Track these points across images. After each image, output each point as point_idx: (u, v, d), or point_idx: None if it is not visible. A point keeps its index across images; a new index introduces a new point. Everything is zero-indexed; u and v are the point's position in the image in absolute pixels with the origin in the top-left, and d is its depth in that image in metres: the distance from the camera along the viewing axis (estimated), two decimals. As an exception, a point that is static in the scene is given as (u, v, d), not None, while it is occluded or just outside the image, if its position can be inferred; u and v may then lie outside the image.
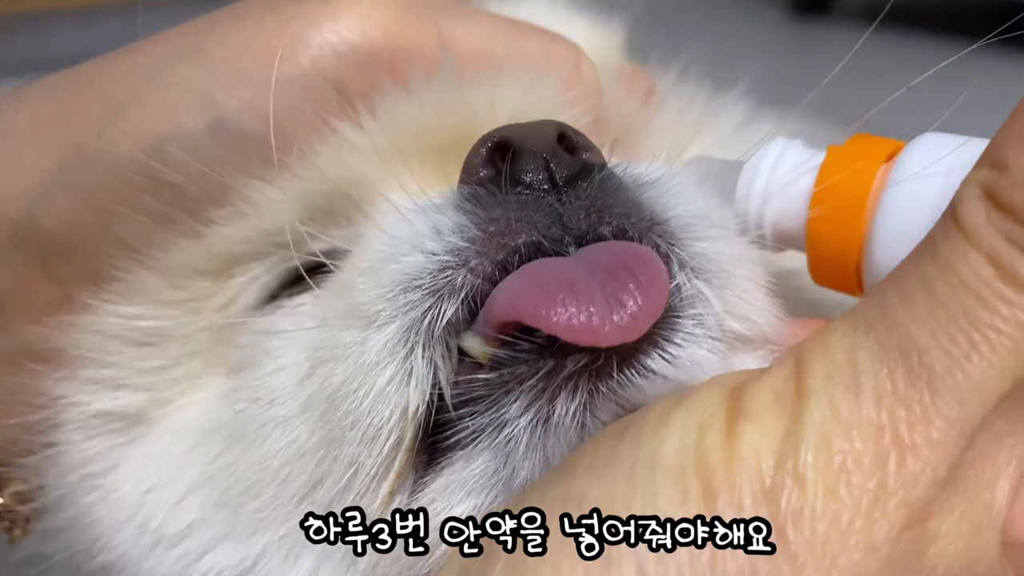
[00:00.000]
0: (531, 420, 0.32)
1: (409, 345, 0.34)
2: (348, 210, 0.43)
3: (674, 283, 0.35)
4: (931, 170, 0.32)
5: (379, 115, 0.43)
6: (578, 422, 0.32)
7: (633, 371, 0.32)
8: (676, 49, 0.51)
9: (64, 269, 0.44)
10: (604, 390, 0.32)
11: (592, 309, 0.30)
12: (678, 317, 0.34)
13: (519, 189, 0.35)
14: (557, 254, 0.34)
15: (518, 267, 0.34)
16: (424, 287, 0.34)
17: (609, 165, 0.38)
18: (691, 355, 0.33)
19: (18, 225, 0.45)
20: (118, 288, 0.44)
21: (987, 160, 0.28)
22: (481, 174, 0.36)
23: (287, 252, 0.43)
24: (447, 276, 0.34)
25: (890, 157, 0.35)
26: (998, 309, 0.26)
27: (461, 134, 0.42)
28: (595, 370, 0.32)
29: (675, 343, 0.33)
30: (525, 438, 0.32)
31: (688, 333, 0.34)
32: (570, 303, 0.30)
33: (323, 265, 0.39)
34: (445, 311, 0.33)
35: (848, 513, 0.25)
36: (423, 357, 0.34)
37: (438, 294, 0.34)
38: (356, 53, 0.43)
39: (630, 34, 0.53)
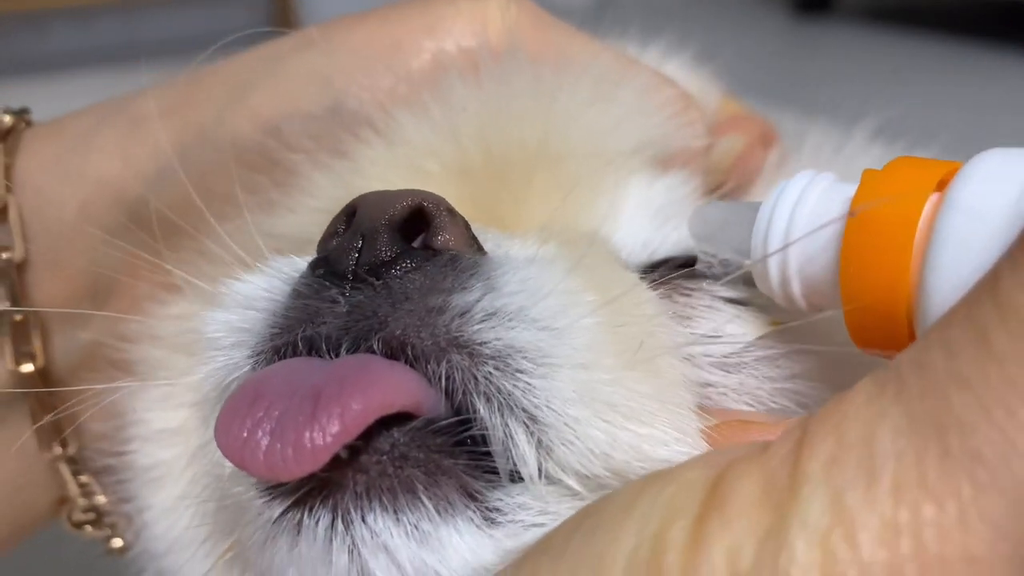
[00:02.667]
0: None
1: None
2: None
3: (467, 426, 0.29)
4: (998, 195, 0.26)
5: (428, 114, 0.42)
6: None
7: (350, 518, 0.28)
8: (676, 49, 0.51)
9: (171, 252, 0.44)
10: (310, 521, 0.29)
11: (246, 432, 0.27)
12: (429, 484, 0.28)
13: (320, 271, 0.32)
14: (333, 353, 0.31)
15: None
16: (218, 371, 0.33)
17: (468, 259, 0.31)
18: (426, 532, 0.28)
19: (135, 205, 0.45)
20: (179, 283, 0.44)
21: None
22: (333, 243, 0.33)
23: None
24: (232, 368, 0.33)
25: (942, 183, 0.28)
26: None
27: (510, 139, 0.40)
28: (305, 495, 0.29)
29: (399, 511, 0.28)
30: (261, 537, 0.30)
31: (419, 502, 0.28)
32: (239, 421, 0.28)
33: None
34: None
35: None
36: None
37: (223, 385, 0.33)
38: (478, 51, 0.43)
39: (627, 34, 0.52)
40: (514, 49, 0.42)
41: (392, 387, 0.28)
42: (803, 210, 0.31)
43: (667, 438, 0.30)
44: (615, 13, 0.47)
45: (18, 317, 0.46)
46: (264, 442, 0.27)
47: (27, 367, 0.46)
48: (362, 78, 0.43)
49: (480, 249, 0.33)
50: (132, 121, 0.47)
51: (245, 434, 0.27)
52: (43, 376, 0.46)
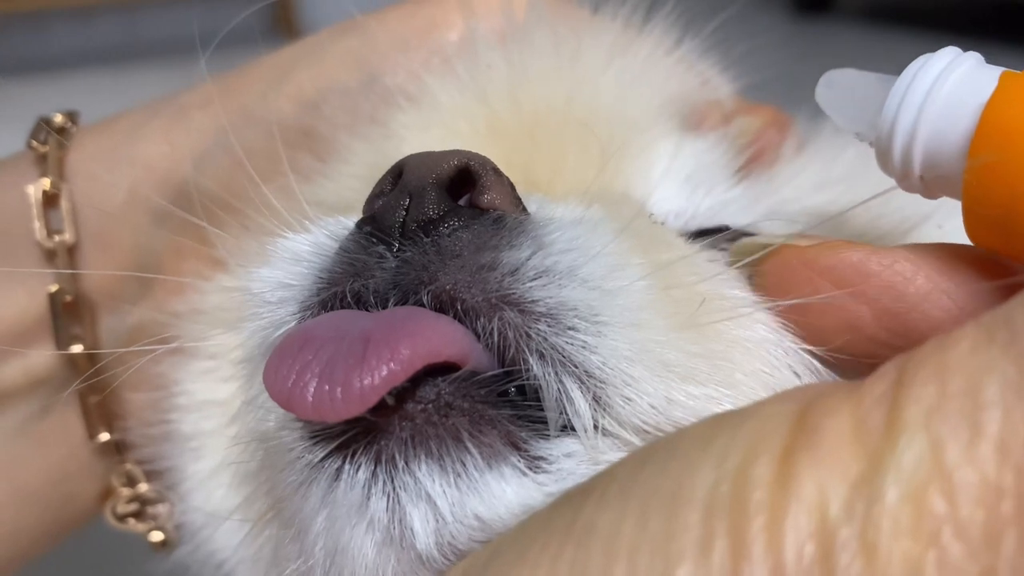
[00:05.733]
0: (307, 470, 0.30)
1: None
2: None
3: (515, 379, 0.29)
4: None
5: (456, 79, 0.43)
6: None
7: (392, 468, 0.28)
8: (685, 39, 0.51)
9: (216, 230, 0.44)
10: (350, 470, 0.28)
11: (295, 374, 0.27)
12: (475, 433, 0.28)
13: (368, 229, 0.32)
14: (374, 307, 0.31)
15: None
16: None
17: (514, 218, 0.31)
18: (473, 482, 0.28)
19: (182, 186, 0.46)
20: (224, 257, 0.45)
21: None
22: (378, 203, 0.32)
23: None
24: (279, 324, 0.33)
25: None
26: None
27: (537, 97, 0.41)
28: (349, 441, 0.29)
29: (445, 459, 0.28)
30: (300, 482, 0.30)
31: (463, 449, 0.28)
32: (288, 363, 0.27)
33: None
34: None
35: None
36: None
37: (270, 341, 0.33)
38: (506, 26, 0.45)
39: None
40: (536, 16, 0.43)
41: (440, 337, 0.28)
42: (941, 91, 0.29)
43: (722, 398, 0.30)
44: (611, 12, 0.47)
45: (68, 298, 0.47)
46: (312, 383, 0.27)
47: (76, 347, 0.47)
48: (397, 54, 0.46)
49: (524, 210, 0.33)
50: (178, 110, 0.49)
51: (294, 376, 0.27)
52: (91, 359, 0.47)
